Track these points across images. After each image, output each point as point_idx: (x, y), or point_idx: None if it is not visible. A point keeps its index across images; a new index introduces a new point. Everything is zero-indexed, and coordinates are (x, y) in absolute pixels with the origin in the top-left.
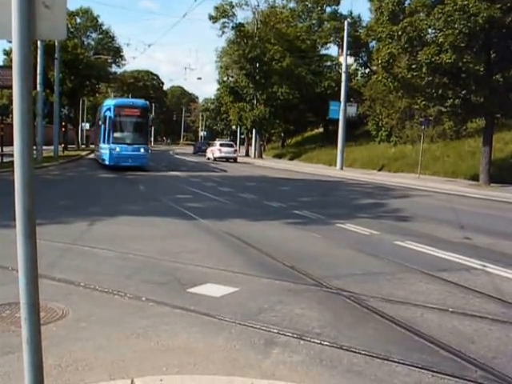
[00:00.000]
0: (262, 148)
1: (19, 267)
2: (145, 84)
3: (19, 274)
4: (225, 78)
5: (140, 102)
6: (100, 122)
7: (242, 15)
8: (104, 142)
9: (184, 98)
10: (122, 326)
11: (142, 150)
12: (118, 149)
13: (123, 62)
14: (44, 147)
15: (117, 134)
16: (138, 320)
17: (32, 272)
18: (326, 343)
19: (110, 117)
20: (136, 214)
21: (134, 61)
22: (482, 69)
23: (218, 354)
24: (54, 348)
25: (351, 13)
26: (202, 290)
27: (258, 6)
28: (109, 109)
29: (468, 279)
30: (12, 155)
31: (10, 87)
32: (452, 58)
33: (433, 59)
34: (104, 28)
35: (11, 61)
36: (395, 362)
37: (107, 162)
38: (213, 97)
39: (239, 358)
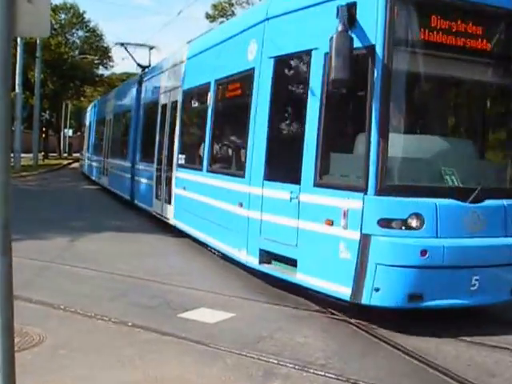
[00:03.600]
0: None
1: None
2: None
3: None
4: None
5: None
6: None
7: None
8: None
9: None
10: (105, 353)
11: None
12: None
13: (111, 64)
14: (22, 155)
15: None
16: (123, 347)
17: (6, 292)
18: (331, 375)
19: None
20: (121, 229)
21: (123, 62)
22: None
23: None
24: (27, 378)
25: None
26: (195, 315)
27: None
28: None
29: None
30: None
31: None
32: None
33: None
34: (91, 25)
35: None
36: None
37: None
38: None
39: None
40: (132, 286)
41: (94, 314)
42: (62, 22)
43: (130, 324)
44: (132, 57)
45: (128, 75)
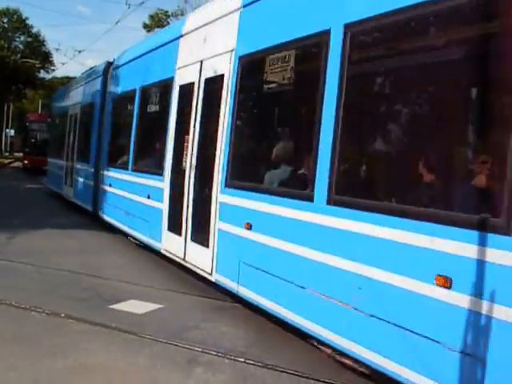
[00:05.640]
0: None
1: None
2: None
3: None
4: None
5: None
6: None
7: None
8: None
9: None
10: (38, 344)
11: None
12: None
13: (52, 68)
14: None
15: None
16: (55, 338)
17: None
18: (250, 362)
19: None
20: (60, 226)
21: (63, 67)
22: None
23: (137, 373)
24: None
25: None
26: (125, 306)
27: None
28: None
29: None
30: None
31: None
32: None
33: None
34: (33, 31)
35: None
36: (320, 381)
37: None
38: None
39: (160, 378)
40: (66, 280)
41: (29, 306)
42: (5, 26)
43: (62, 315)
44: None
45: (68, 79)
